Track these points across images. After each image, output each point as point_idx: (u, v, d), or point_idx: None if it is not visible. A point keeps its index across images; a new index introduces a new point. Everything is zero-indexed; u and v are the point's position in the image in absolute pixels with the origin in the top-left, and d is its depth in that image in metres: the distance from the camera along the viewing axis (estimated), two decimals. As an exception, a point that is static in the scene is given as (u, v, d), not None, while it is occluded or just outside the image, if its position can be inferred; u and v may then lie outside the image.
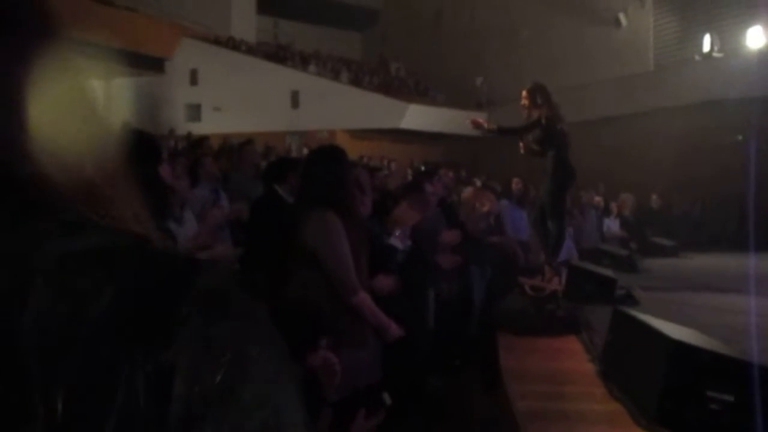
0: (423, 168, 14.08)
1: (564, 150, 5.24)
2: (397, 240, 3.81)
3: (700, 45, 13.64)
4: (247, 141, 6.86)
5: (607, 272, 4.86)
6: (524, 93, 5.44)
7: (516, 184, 7.88)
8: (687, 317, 3.74)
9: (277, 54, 20.61)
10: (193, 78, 20.02)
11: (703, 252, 8.62)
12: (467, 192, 6.50)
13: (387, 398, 2.89)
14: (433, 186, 4.93)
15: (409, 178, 9.38)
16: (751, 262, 6.02)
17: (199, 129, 16.84)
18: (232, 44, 20.29)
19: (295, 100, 18.97)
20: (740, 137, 10.52)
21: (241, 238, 4.45)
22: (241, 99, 18.65)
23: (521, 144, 5.42)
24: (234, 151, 7.81)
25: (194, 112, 19.83)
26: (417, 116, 17.89)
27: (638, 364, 2.24)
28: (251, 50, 20.64)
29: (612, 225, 9.51)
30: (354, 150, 15.79)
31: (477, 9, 19.84)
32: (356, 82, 19.74)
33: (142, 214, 0.46)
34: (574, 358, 2.87)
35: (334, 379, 2.45)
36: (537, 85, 5.48)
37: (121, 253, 0.37)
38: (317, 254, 2.90)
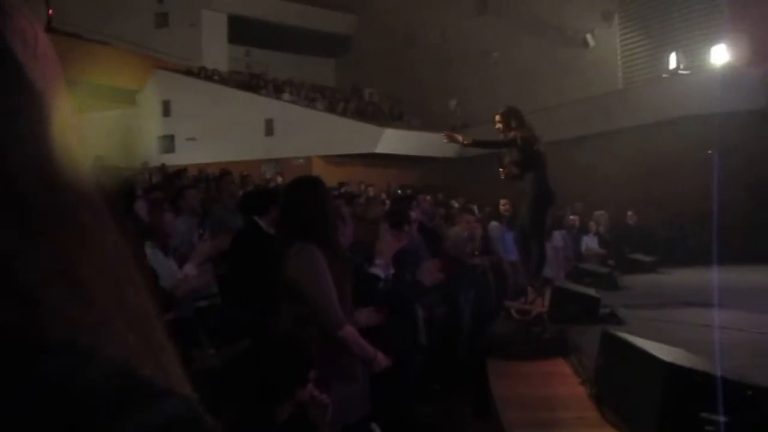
0: (399, 192, 14.13)
1: (542, 171, 5.28)
2: (379, 269, 3.78)
3: (667, 63, 13.95)
4: (226, 172, 6.82)
5: (590, 291, 4.88)
6: (497, 117, 5.50)
7: (504, 205, 7.93)
8: (671, 334, 3.76)
9: (250, 83, 20.63)
10: (166, 109, 19.93)
11: (681, 267, 8.72)
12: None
13: (377, 429, 2.84)
14: (413, 212, 4.92)
15: (386, 202, 9.39)
16: (714, 275, 6.09)
17: (173, 160, 16.72)
18: (205, 74, 20.28)
19: (269, 128, 18.97)
20: (710, 152, 10.71)
21: (222, 271, 4.39)
22: (215, 129, 18.59)
23: (501, 170, 5.46)
24: (211, 181, 7.75)
25: (168, 143, 19.71)
26: (392, 140, 17.98)
27: (632, 388, 2.23)
28: (224, 80, 20.64)
29: (591, 242, 9.59)
30: (330, 176, 15.77)
31: (448, 32, 20.11)
32: (330, 108, 19.81)
33: (109, 297, 0.33)
34: (564, 382, 2.85)
35: (325, 414, 2.40)
36: (510, 108, 5.53)
37: (37, 402, 0.24)
38: (301, 288, 2.86)
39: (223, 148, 18.06)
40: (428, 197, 9.91)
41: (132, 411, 0.26)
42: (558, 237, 8.52)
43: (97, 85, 17.01)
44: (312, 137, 18.01)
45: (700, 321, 4.48)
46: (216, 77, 20.42)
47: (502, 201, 7.96)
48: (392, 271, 4.05)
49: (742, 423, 1.94)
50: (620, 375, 2.42)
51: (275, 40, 23.91)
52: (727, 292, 5.70)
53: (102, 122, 16.75)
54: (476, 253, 6.06)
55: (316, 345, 2.72)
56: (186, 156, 17.78)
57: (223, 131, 18.50)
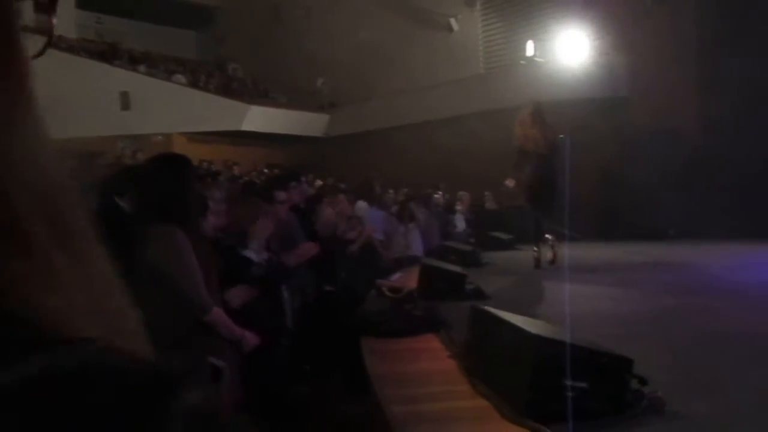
0: (266, 170, 13.85)
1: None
2: (252, 252, 3.68)
3: (525, 50, 14.66)
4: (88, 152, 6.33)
5: (456, 268, 5.05)
6: (528, 118, 5.67)
7: (376, 187, 8.10)
8: (530, 307, 3.98)
9: (103, 52, 19.20)
10: (6, 78, 18.09)
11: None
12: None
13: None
14: (287, 194, 4.83)
15: (255, 182, 9.15)
16: (566, 252, 6.61)
17: (15, 134, 15.25)
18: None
19: (125, 102, 17.75)
20: (561, 136, 11.41)
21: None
22: (65, 101, 17.03)
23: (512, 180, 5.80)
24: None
25: (9, 116, 17.92)
26: (258, 118, 17.51)
27: (500, 359, 2.32)
28: (72, 48, 19.03)
29: (459, 222, 9.93)
30: (193, 154, 15.09)
31: (313, 10, 19.84)
32: (192, 82, 18.93)
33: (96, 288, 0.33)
34: (436, 357, 2.92)
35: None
36: (535, 108, 5.71)
37: (57, 390, 0.23)
38: (163, 272, 2.70)
39: (74, 122, 16.67)
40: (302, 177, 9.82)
41: (173, 395, 0.25)
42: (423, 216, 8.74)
43: None
44: (172, 112, 17.11)
45: (554, 294, 4.80)
46: (63, 45, 18.77)
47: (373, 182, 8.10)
48: (266, 255, 3.96)
49: (600, 388, 2.09)
50: (488, 347, 2.51)
51: (130, 8, 22.41)
52: (578, 267, 6.17)
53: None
54: (347, 232, 6.07)
55: (180, 331, 2.58)
56: (30, 130, 16.26)
57: (74, 104, 17.05)
